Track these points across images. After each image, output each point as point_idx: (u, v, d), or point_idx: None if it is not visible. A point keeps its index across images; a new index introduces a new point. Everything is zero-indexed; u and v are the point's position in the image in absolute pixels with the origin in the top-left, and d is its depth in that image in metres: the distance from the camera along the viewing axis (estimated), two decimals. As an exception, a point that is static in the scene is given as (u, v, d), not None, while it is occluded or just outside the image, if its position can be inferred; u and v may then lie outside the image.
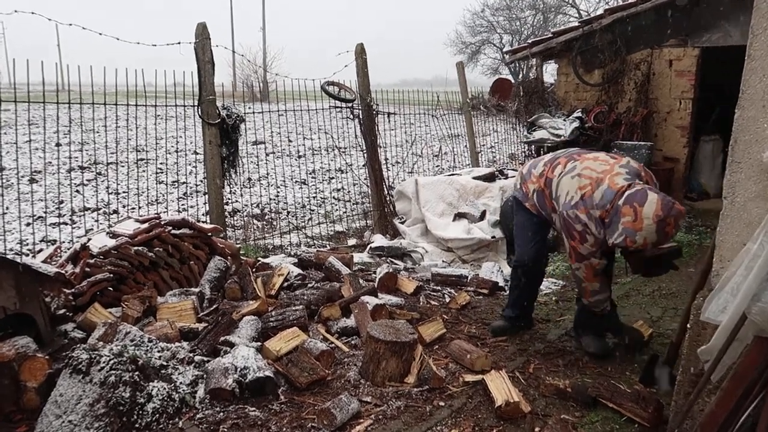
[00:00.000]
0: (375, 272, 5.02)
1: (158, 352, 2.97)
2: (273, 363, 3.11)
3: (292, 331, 3.44)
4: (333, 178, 9.93)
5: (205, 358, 3.09)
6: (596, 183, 3.06)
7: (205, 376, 2.90)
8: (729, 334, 2.07)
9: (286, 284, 4.33)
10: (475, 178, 6.20)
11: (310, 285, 4.35)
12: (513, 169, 6.84)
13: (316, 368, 3.04)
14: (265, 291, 4.15)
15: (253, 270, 4.54)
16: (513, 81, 9.89)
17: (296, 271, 4.53)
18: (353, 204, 7.97)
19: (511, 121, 9.96)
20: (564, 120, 8.36)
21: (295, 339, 3.38)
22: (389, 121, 6.70)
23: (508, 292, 4.05)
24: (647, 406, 2.62)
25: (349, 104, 6.08)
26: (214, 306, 3.95)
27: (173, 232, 4.09)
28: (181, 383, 2.82)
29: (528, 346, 3.57)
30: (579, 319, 3.61)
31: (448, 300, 4.38)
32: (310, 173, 10.15)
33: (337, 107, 6.16)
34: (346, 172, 9.91)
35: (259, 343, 3.29)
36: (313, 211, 7.77)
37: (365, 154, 6.27)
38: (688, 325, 2.42)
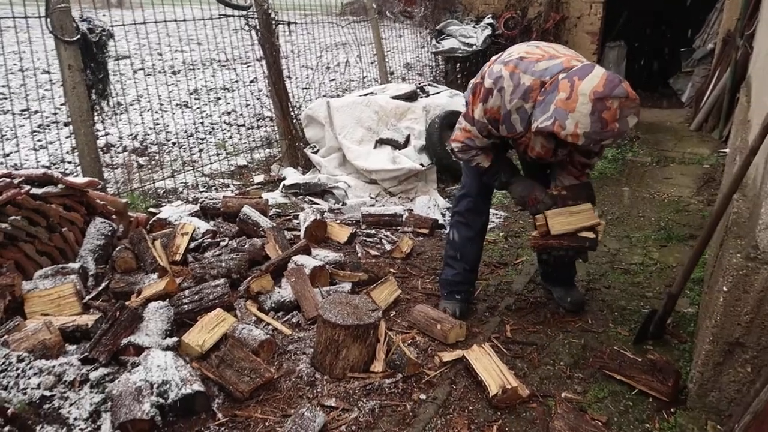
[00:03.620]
0: (294, 216, 4.31)
1: (36, 377, 2.13)
2: (199, 366, 2.39)
3: (215, 315, 2.71)
4: (219, 98, 8.72)
5: (106, 372, 2.31)
6: (550, 57, 2.37)
7: (110, 403, 2.13)
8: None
9: (192, 245, 3.52)
10: (394, 97, 5.48)
11: (223, 244, 3.57)
12: (431, 85, 6.17)
13: (258, 368, 2.37)
14: (167, 257, 3.32)
15: (147, 230, 3.66)
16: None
17: (203, 226, 3.69)
18: (248, 129, 6.97)
19: (414, 25, 9.15)
20: (474, 27, 7.75)
21: (221, 325, 2.67)
22: (289, 32, 5.70)
23: (446, 240, 3.10)
24: (666, 379, 2.26)
25: (244, 12, 5.02)
26: (104, 284, 3.09)
27: (33, 191, 3.07)
28: (76, 419, 2.05)
29: (496, 301, 3.12)
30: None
31: (388, 248, 3.80)
32: (192, 93, 8.84)
33: (228, 16, 5.06)
34: (233, 91, 8.76)
35: (175, 339, 2.55)
36: (203, 140, 6.70)
37: (264, 70, 5.31)
38: (725, 288, 2.03)
